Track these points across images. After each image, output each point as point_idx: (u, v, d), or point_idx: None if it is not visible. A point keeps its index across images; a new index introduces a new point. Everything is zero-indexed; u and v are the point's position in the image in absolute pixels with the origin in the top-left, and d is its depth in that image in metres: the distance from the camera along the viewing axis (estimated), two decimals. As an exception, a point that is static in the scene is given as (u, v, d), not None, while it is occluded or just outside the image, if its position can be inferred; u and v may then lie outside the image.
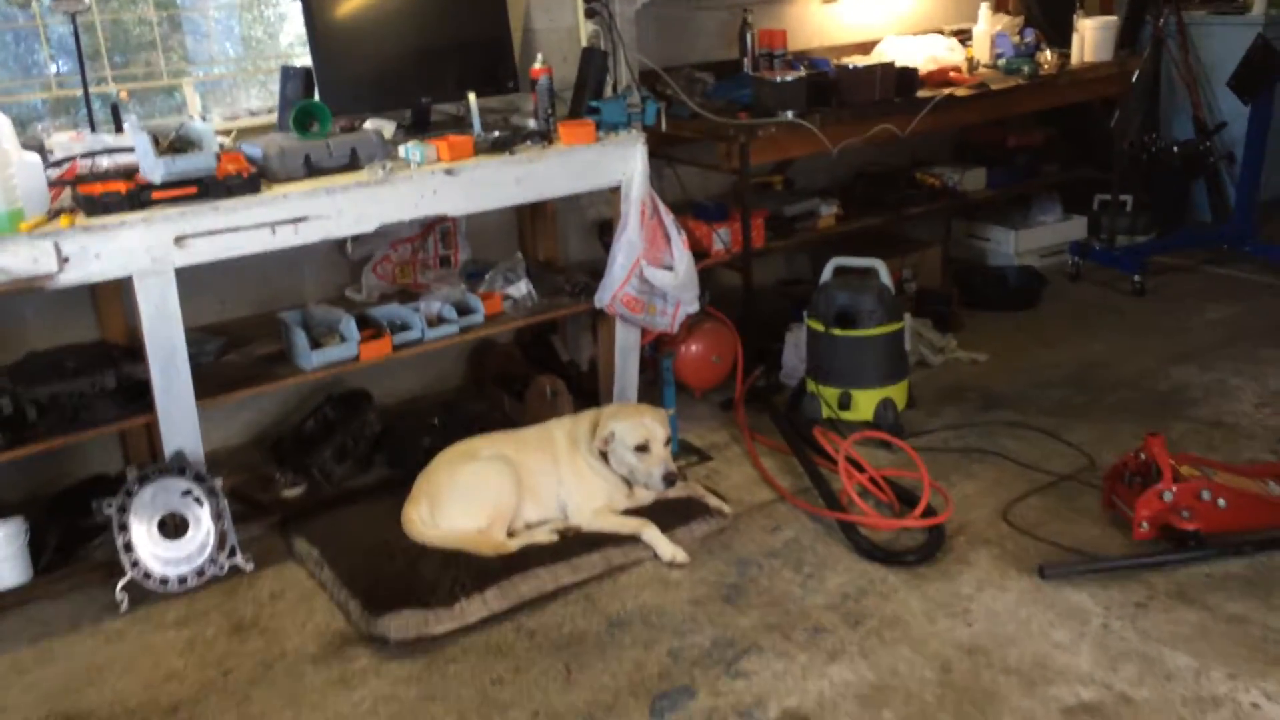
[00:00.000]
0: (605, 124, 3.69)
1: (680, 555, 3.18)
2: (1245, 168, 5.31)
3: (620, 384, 4.04)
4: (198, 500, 3.22)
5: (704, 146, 4.32)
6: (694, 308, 3.90)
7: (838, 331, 3.79)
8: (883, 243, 5.03)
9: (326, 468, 3.73)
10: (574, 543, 3.21)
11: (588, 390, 4.14)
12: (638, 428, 3.26)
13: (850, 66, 4.36)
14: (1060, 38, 5.23)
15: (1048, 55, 4.98)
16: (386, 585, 3.02)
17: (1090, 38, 5.01)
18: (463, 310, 3.74)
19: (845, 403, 3.83)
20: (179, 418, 3.20)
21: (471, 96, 3.62)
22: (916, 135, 4.52)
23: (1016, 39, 5.10)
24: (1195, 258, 5.45)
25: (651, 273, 3.73)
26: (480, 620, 2.94)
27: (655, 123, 3.75)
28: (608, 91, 3.89)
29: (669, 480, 3.23)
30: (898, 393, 3.87)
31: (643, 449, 3.25)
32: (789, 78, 4.21)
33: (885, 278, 3.86)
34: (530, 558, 3.13)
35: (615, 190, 3.74)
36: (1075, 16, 5.16)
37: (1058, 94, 4.99)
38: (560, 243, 4.41)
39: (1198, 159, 5.70)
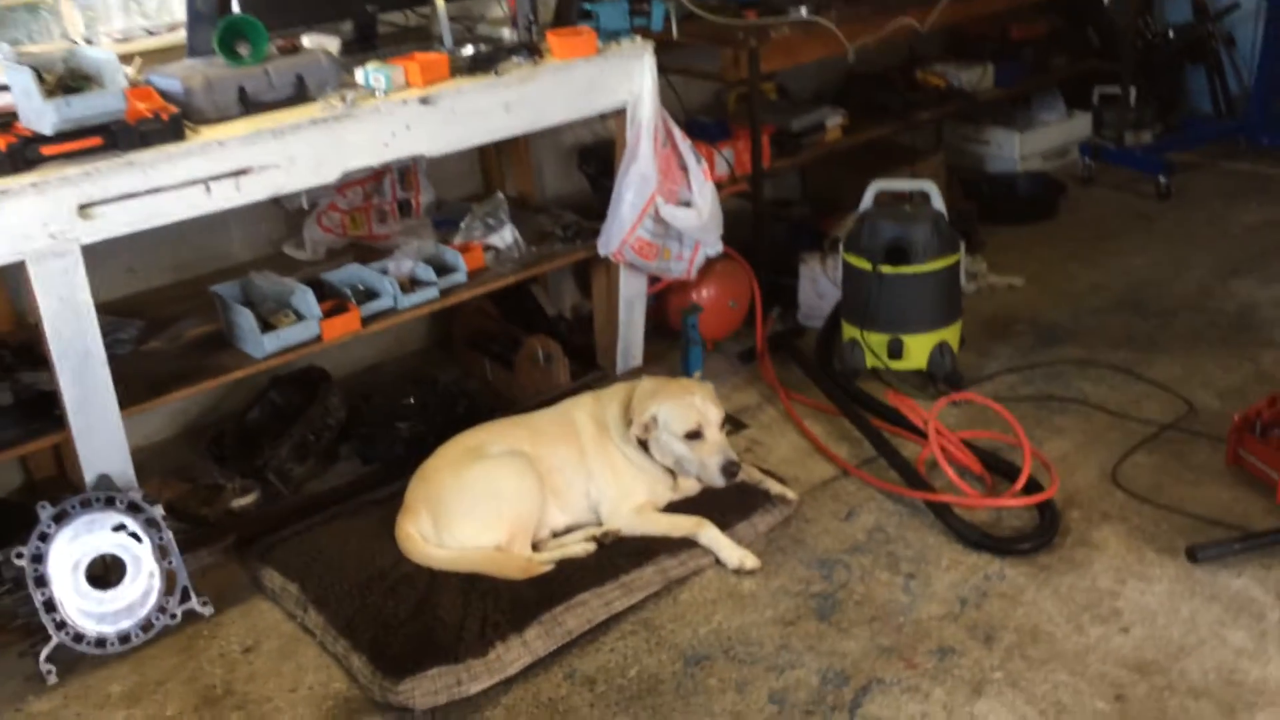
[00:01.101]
0: (604, 32, 3.00)
1: (749, 560, 2.61)
2: (1264, 51, 4.85)
3: (624, 342, 3.43)
4: (135, 536, 2.53)
5: (699, 52, 3.64)
6: (716, 249, 3.29)
7: (887, 269, 3.21)
8: (881, 154, 4.47)
9: (284, 468, 3.04)
10: (617, 553, 2.62)
11: (579, 349, 3.51)
12: (687, 410, 2.65)
13: (865, -49, 3.72)
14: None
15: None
16: (399, 634, 2.39)
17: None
18: (440, 268, 3.06)
19: (896, 351, 3.27)
20: (101, 436, 2.49)
21: (439, 0, 2.88)
22: (934, 30, 3.92)
23: (1019, -87, 4.49)
24: (1206, 154, 5.00)
25: (670, 212, 3.09)
26: (523, 669, 2.35)
27: (664, 28, 3.07)
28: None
29: (730, 471, 2.64)
30: (953, 335, 3.32)
31: (694, 435, 2.65)
32: (801, -35, 3.55)
33: (939, 202, 3.29)
34: (570, 579, 2.53)
35: (618, 114, 3.07)
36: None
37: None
38: (536, 175, 3.72)
39: (1198, 44, 5.23)
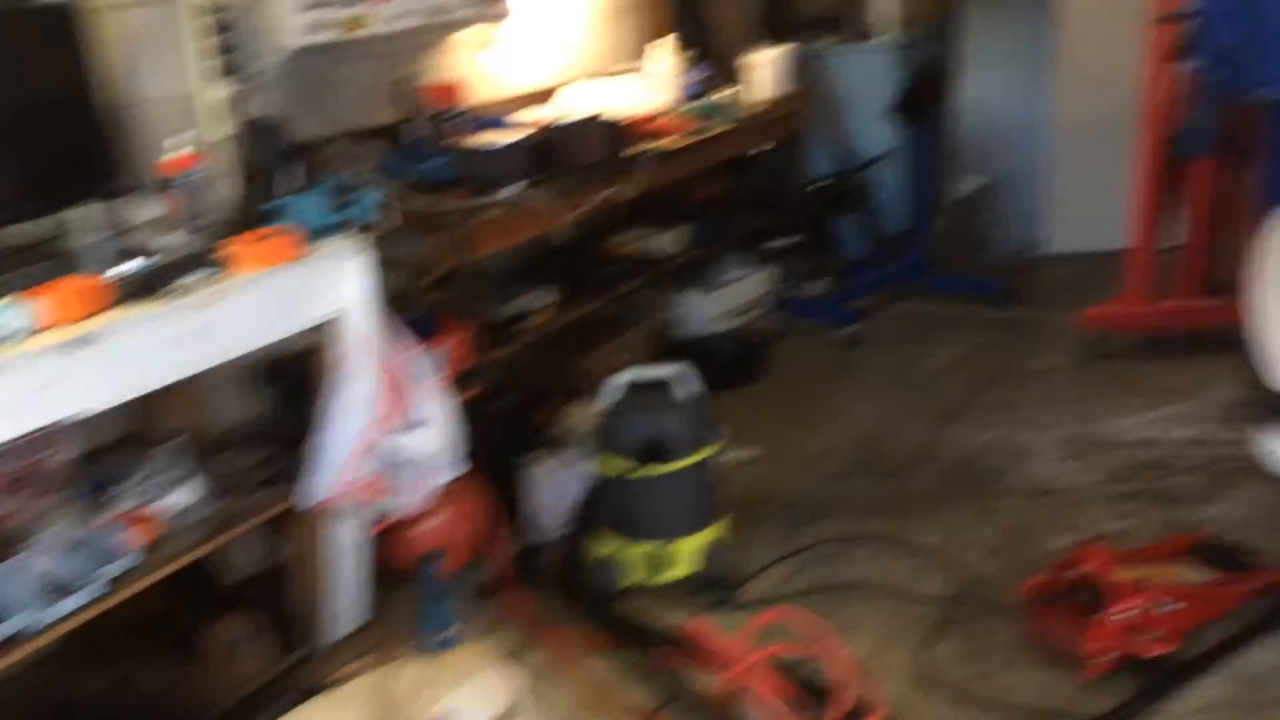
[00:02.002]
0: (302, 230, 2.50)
1: None
2: (918, 196, 5.13)
3: (343, 600, 2.82)
4: None
5: (398, 240, 3.18)
6: (456, 471, 2.81)
7: (649, 471, 2.87)
8: (585, 331, 4.20)
9: None
10: None
11: (277, 615, 2.83)
12: (487, 693, 2.13)
13: (564, 124, 3.46)
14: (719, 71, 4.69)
15: (733, 92, 4.41)
16: None
17: (769, 71, 4.52)
18: (99, 556, 2.33)
19: (662, 561, 2.92)
20: None
21: (94, 209, 2.26)
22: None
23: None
24: (876, 298, 5.14)
25: (399, 440, 2.59)
26: None
27: (379, 219, 2.61)
28: (289, 182, 2.68)
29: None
30: (722, 530, 3.03)
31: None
32: (501, 143, 3.22)
33: (693, 385, 3.01)
34: None
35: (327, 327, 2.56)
36: (746, 49, 4.65)
37: (761, 134, 4.48)
38: (205, 401, 3.06)
39: (845, 196, 5.45)
